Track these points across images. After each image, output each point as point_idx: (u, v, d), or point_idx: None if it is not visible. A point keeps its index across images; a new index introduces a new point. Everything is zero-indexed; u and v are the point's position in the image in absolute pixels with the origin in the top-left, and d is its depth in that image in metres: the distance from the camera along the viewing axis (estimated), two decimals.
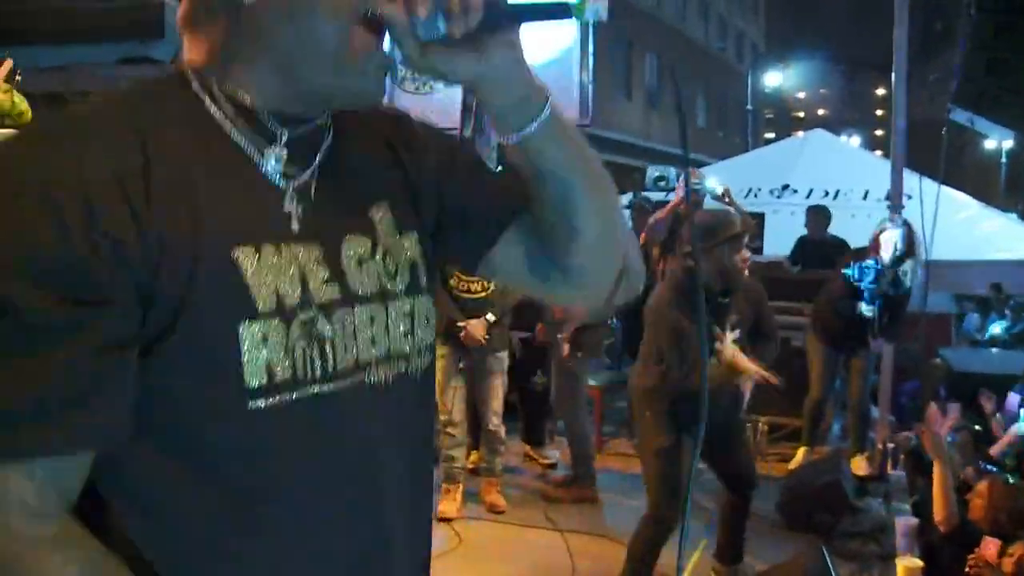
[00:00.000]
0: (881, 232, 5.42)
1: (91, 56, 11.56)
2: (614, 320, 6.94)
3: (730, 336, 3.79)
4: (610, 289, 1.15)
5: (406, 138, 1.13)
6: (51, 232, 0.81)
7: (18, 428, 0.82)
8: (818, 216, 8.16)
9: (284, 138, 0.98)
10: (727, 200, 5.88)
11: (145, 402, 0.88)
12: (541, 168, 1.01)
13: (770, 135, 50.95)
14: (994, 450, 5.02)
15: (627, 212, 7.77)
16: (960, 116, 6.56)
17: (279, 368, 0.92)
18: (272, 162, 0.97)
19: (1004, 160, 26.21)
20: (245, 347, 0.89)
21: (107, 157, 0.86)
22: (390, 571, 1.07)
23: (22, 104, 3.70)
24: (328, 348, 0.97)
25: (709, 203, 6.01)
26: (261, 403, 0.91)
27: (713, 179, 5.91)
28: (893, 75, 6.22)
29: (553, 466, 5.96)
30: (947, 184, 7.36)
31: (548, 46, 6.64)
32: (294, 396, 0.93)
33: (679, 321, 3.62)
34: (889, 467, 5.57)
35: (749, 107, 33.02)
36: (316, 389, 0.95)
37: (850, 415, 6.17)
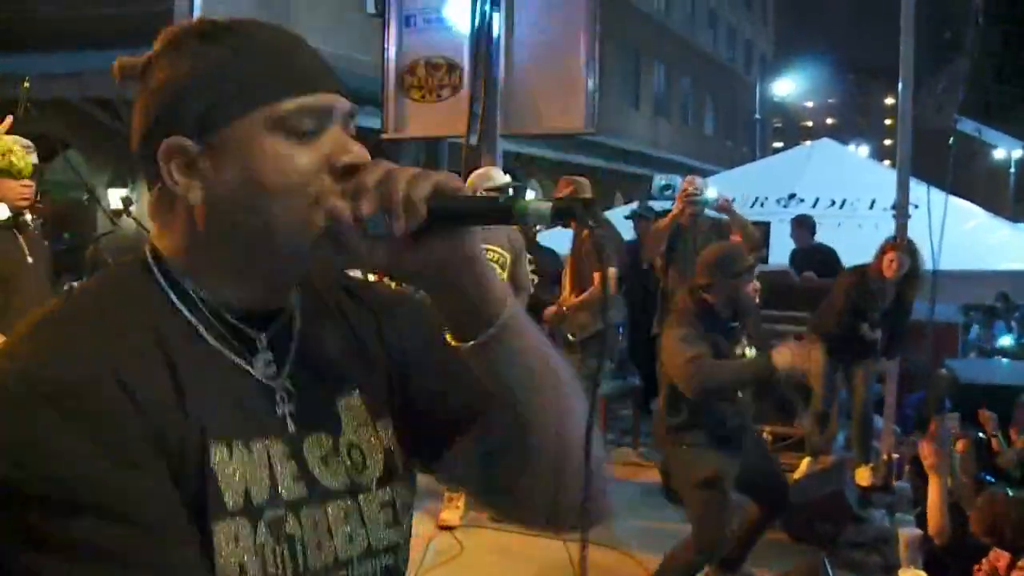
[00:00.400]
0: (885, 252, 5.42)
1: (101, 62, 11.64)
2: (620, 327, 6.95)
3: (749, 353, 3.87)
4: (562, 518, 1.05)
5: (380, 308, 1.09)
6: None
7: None
8: (801, 227, 8.18)
9: (264, 341, 0.97)
10: (728, 211, 5.86)
11: None
12: (492, 379, 0.96)
13: (778, 144, 50.98)
14: (1004, 461, 4.99)
15: (629, 222, 7.78)
16: (967, 126, 6.54)
17: (250, 570, 0.88)
18: (261, 366, 0.96)
19: (1013, 170, 26.14)
20: (218, 545, 0.87)
21: (94, 359, 0.85)
22: None
23: (20, 162, 3.75)
24: (299, 547, 0.92)
25: (709, 214, 6.01)
26: None
27: (712, 189, 5.90)
28: (900, 84, 6.22)
29: None
30: (955, 194, 7.34)
31: (555, 55, 6.66)
32: None
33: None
34: (894, 478, 5.55)
35: (757, 116, 33.03)
36: None
37: (853, 425, 6.16)
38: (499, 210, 0.90)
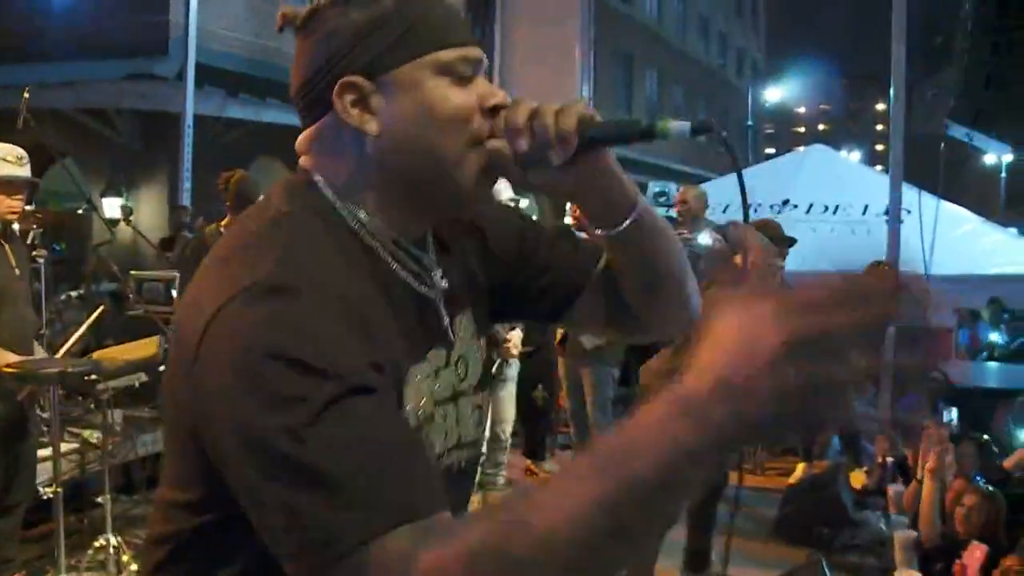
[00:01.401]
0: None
1: (96, 72, 11.67)
2: None
3: None
4: (680, 325, 1.31)
5: (473, 229, 1.24)
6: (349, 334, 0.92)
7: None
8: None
9: (432, 263, 1.12)
10: (738, 240, 5.80)
11: None
12: (631, 253, 1.19)
13: (771, 150, 51.12)
14: (1008, 463, 5.02)
15: None
16: (958, 131, 6.61)
17: None
18: (439, 285, 1.12)
19: (1004, 175, 26.25)
20: None
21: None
22: None
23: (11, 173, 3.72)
24: (438, 433, 1.10)
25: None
26: None
27: (706, 234, 5.48)
28: (892, 91, 6.28)
29: None
30: (946, 199, 7.40)
31: (550, 62, 6.72)
32: None
33: None
34: (888, 481, 5.57)
35: (750, 122, 33.14)
36: None
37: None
38: (644, 132, 1.05)
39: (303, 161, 1.11)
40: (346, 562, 0.82)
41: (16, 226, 3.86)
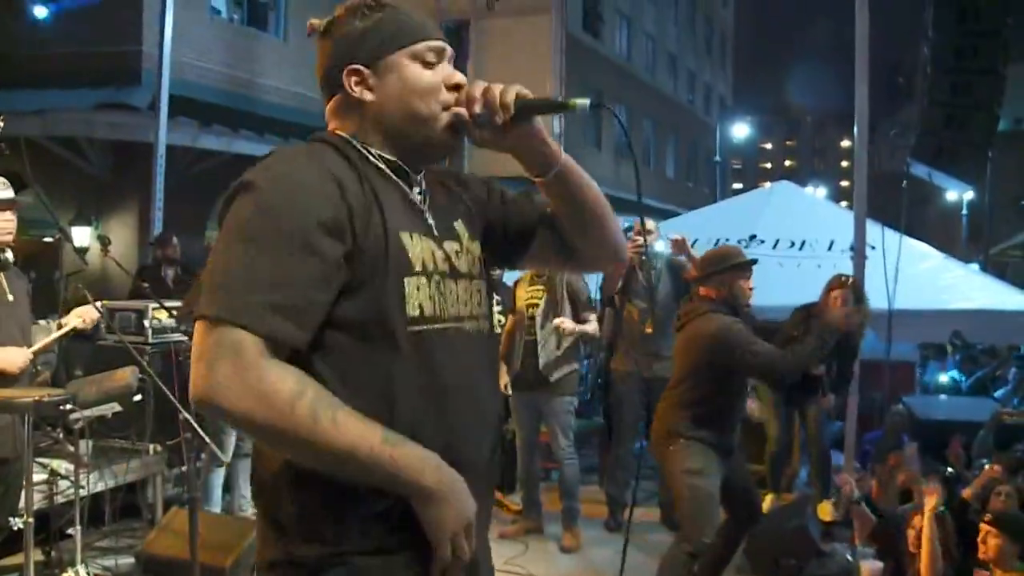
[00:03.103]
0: (831, 290, 5.50)
1: (68, 101, 11.61)
2: (586, 359, 7.03)
3: None
4: (609, 255, 1.85)
5: (462, 182, 1.78)
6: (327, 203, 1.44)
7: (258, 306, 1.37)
8: None
9: (418, 179, 1.63)
10: (684, 251, 5.94)
11: (348, 317, 1.45)
12: (561, 196, 1.72)
13: (738, 185, 51.73)
14: (967, 493, 5.10)
15: None
16: (920, 170, 6.75)
17: (425, 309, 1.52)
18: (416, 191, 1.62)
19: (965, 212, 26.73)
20: (407, 292, 1.49)
21: (325, 175, 1.47)
22: (485, 437, 1.63)
23: None
24: (445, 300, 1.56)
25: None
26: (416, 328, 1.49)
27: (661, 242, 6.02)
28: (855, 129, 6.42)
29: (521, 512, 5.98)
30: (910, 235, 7.54)
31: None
32: (435, 327, 1.52)
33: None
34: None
35: (717, 158, 33.52)
36: (442, 325, 1.54)
37: (811, 462, 6.27)
38: (559, 105, 1.63)
39: (329, 126, 1.62)
40: (201, 323, 1.37)
41: (10, 254, 3.83)
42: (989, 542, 3.62)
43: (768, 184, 16.01)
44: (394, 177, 1.57)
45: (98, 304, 4.00)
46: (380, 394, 1.45)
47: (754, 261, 4.29)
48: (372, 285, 1.45)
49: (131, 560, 4.43)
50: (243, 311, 1.35)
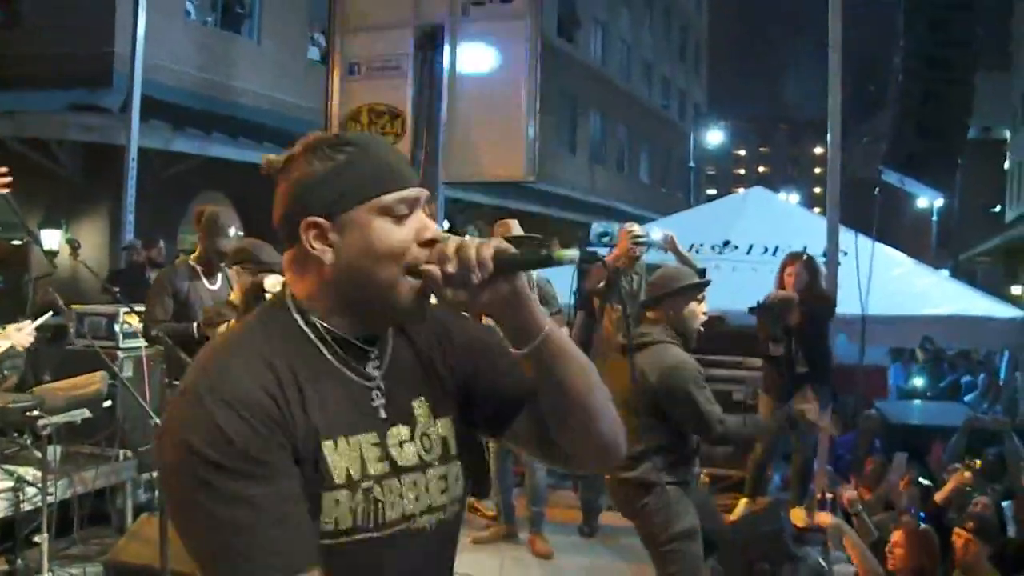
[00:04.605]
0: (785, 267, 5.68)
1: (39, 102, 11.48)
2: None
3: None
4: (590, 455, 1.50)
5: (446, 338, 1.52)
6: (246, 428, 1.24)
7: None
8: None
9: (374, 355, 1.41)
10: (673, 248, 5.96)
11: None
12: (539, 374, 1.40)
13: (712, 191, 51.99)
14: (939, 496, 5.14)
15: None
16: (891, 177, 6.82)
17: (343, 523, 1.32)
18: (373, 366, 1.41)
19: (935, 218, 27.05)
20: (323, 506, 1.30)
21: (253, 379, 1.28)
22: None
23: None
24: (380, 506, 1.36)
25: (655, 254, 6.13)
26: (327, 542, 1.30)
27: (657, 230, 6.07)
28: (828, 136, 6.47)
29: (496, 518, 5.96)
30: (882, 241, 7.61)
31: (497, 103, 6.79)
32: (355, 538, 1.33)
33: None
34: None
35: (691, 164, 33.69)
36: (375, 534, 1.35)
37: (792, 469, 6.29)
38: (543, 260, 1.35)
39: (286, 278, 1.43)
40: None
41: None
42: (970, 549, 3.65)
43: (742, 190, 16.11)
44: (336, 363, 1.37)
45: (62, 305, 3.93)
46: None
47: (707, 283, 3.90)
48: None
49: (99, 568, 4.37)
50: None
